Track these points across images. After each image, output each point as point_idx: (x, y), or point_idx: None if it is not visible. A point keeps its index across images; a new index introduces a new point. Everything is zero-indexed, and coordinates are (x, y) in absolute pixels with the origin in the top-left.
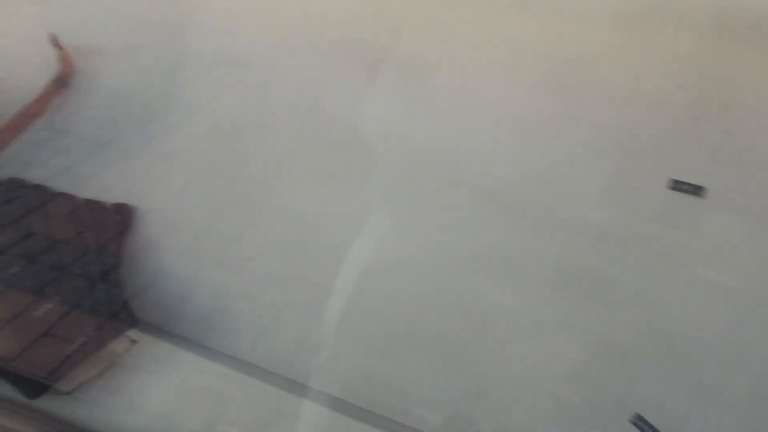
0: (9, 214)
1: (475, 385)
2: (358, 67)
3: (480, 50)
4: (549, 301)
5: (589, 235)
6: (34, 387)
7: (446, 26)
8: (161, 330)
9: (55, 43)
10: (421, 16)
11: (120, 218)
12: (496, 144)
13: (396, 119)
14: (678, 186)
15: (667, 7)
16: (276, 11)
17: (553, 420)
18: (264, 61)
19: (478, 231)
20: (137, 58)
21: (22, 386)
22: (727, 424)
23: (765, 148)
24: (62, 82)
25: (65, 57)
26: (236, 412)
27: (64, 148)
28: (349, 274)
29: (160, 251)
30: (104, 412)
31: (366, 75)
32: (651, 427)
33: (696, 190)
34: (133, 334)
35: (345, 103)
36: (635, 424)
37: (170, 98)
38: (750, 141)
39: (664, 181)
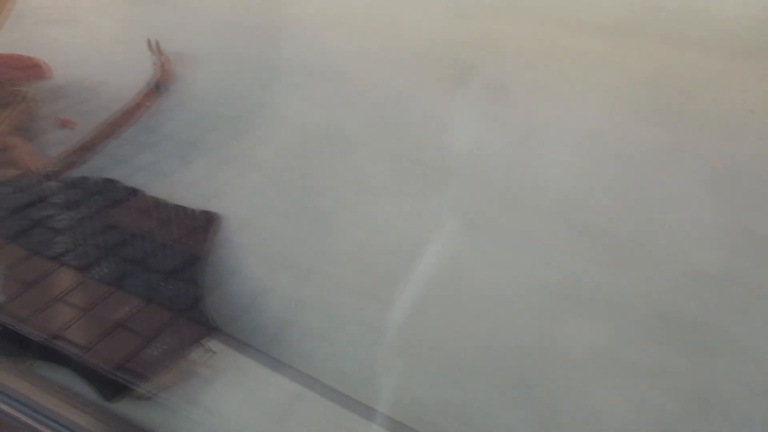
0: (102, 216)
1: (552, 427)
2: (446, 85)
3: (579, 75)
4: (640, 343)
5: (690, 275)
6: (113, 388)
7: (543, 49)
8: (236, 341)
9: (155, 48)
10: (517, 37)
11: (206, 226)
12: (591, 173)
13: (482, 140)
14: None
15: None
16: (368, 26)
17: None
18: (352, 74)
19: (567, 262)
20: (230, 65)
21: (100, 387)
22: None
23: None
24: (159, 87)
25: (163, 62)
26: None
27: (155, 149)
28: (425, 296)
29: (241, 259)
30: (179, 419)
31: (453, 93)
32: None
33: None
34: (211, 343)
35: (430, 119)
36: None
37: (259, 106)
38: None
39: None
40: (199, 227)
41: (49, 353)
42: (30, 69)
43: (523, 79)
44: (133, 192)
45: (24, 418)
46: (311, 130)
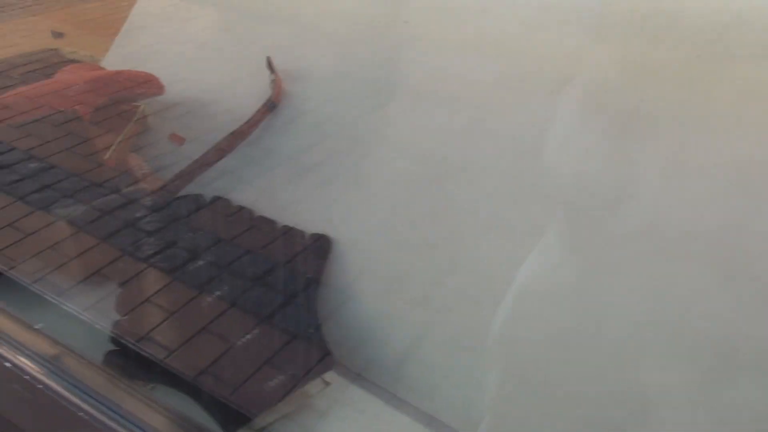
0: (206, 233)
1: None
2: (581, 111)
3: (730, 103)
4: None
5: None
6: (232, 418)
7: (688, 73)
8: (353, 373)
9: (270, 66)
10: (664, 61)
11: (317, 248)
12: (741, 212)
13: (621, 176)
14: None
15: None
16: (490, 48)
17: None
18: (474, 99)
19: (711, 311)
20: (345, 86)
21: (219, 416)
22: None
23: None
24: (271, 105)
25: (277, 80)
26: None
27: (267, 169)
28: (552, 337)
29: (356, 290)
30: None
31: (590, 120)
32: None
33: None
34: (327, 376)
35: (563, 149)
36: None
37: (374, 130)
38: None
39: None
40: (309, 250)
41: (167, 378)
42: (144, 84)
43: (668, 106)
44: (243, 211)
45: None
46: (427, 157)
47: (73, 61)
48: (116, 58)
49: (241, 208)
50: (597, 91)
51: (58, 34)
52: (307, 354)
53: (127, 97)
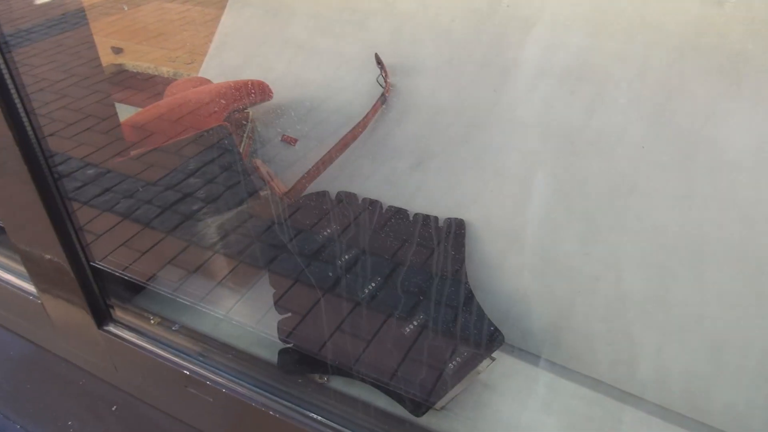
0: (345, 230)
1: None
2: (714, 77)
3: None
4: None
5: None
6: (417, 405)
7: None
8: (512, 347)
9: (379, 61)
10: None
11: (455, 234)
12: None
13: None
14: None
15: None
16: (606, 20)
17: None
18: (596, 72)
19: None
20: (455, 73)
21: (406, 404)
22: None
23: None
24: (382, 99)
25: (385, 74)
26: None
27: (386, 161)
28: (719, 296)
29: (497, 268)
30: (469, 427)
31: (728, 86)
32: None
33: None
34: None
35: (700, 115)
36: None
37: (494, 113)
38: None
39: None
40: (449, 235)
41: (344, 371)
42: (255, 92)
43: None
44: (372, 203)
45: (327, 431)
46: (561, 135)
47: (138, 75)
48: (213, 69)
49: (368, 201)
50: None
51: (117, 50)
52: (477, 335)
53: (243, 106)
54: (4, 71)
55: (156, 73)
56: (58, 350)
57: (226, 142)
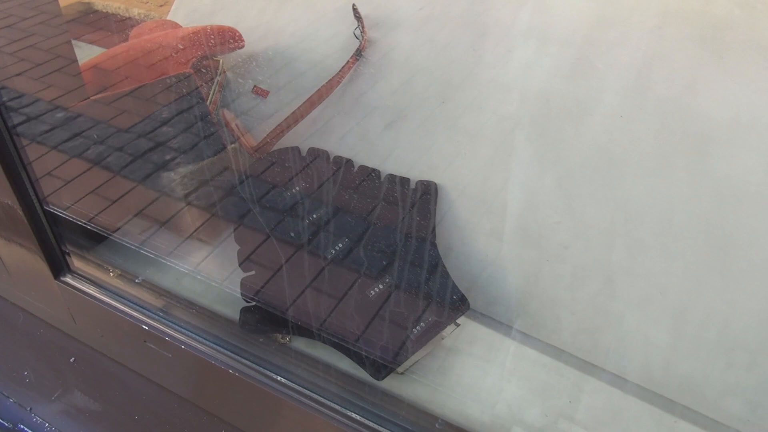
0: (315, 188)
1: None
2: (696, 45)
3: None
4: None
5: None
6: (378, 368)
7: None
8: (477, 313)
9: (356, 14)
10: None
11: (426, 197)
12: None
13: (747, 108)
14: None
15: None
16: None
17: None
18: (578, 36)
19: None
20: (434, 29)
21: (368, 367)
22: None
23: None
24: (358, 53)
25: (363, 28)
26: (554, 402)
27: (360, 118)
28: (685, 269)
29: (467, 232)
30: (431, 391)
31: (710, 56)
32: None
33: None
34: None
35: (679, 85)
36: None
37: (470, 74)
38: None
39: None
40: (419, 198)
41: (305, 330)
42: (224, 39)
43: None
44: (345, 162)
45: (287, 392)
46: (539, 101)
47: (109, 15)
48: (182, 13)
49: (340, 159)
50: (703, 25)
51: None
52: (442, 300)
53: (211, 53)
54: None
55: (127, 15)
56: (14, 299)
57: (190, 90)
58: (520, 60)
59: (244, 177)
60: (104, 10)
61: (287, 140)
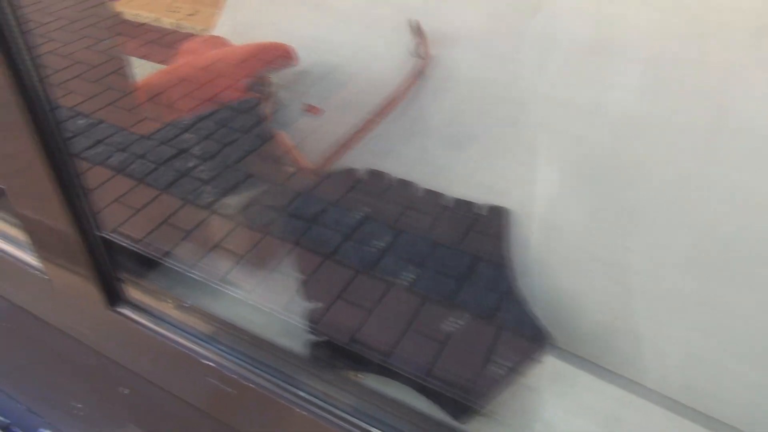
0: (378, 212)
1: None
2: None
3: None
4: None
5: None
6: (459, 408)
7: None
8: (556, 347)
9: (416, 30)
10: None
11: (498, 223)
12: None
13: None
14: None
15: None
16: None
17: None
18: (654, 51)
19: None
20: (498, 45)
21: (447, 407)
22: None
23: None
24: (419, 71)
25: (424, 44)
26: None
27: (421, 139)
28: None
29: (543, 261)
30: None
31: None
32: None
33: None
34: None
35: (762, 108)
36: None
37: (540, 93)
38: None
39: None
40: (488, 224)
41: (379, 368)
42: (277, 56)
43: None
44: (407, 185)
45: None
46: (608, 117)
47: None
48: (228, 27)
49: (402, 182)
50: None
51: None
52: (522, 335)
53: (264, 71)
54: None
55: (158, 24)
56: (64, 327)
57: (255, 114)
58: (590, 77)
59: (304, 200)
60: (135, 20)
61: (343, 160)
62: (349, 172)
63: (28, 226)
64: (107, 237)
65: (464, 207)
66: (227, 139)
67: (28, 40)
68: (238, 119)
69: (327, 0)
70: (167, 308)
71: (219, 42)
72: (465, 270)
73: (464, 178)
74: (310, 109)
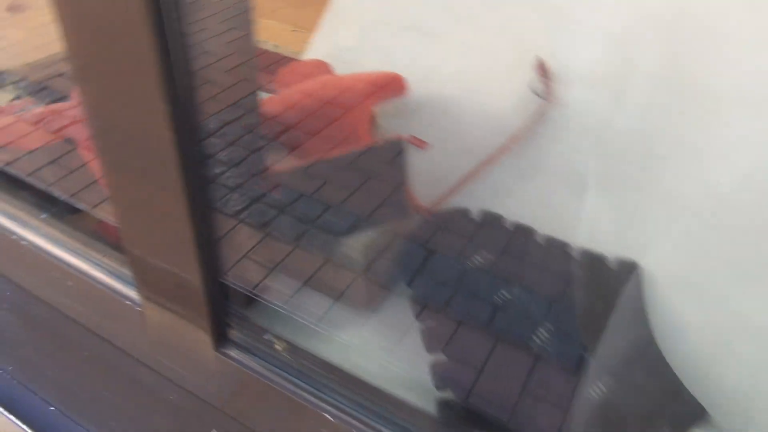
0: (496, 260)
1: None
2: None
3: None
4: None
5: None
6: None
7: None
8: (716, 428)
9: (541, 67)
10: None
11: (632, 281)
12: None
13: None
14: None
15: None
16: None
17: None
18: None
19: None
20: (626, 86)
21: None
22: None
23: None
24: (542, 111)
25: (548, 84)
26: None
27: (542, 181)
28: None
29: (681, 326)
30: None
31: None
32: None
33: None
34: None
35: None
36: None
37: (677, 140)
38: None
39: None
40: (623, 282)
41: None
42: (393, 88)
43: None
44: (526, 231)
45: None
46: (752, 171)
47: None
48: (323, 50)
49: (520, 227)
50: None
51: None
52: (675, 409)
53: (380, 104)
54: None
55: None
56: (157, 364)
57: (398, 157)
58: (734, 129)
59: (416, 243)
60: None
61: (456, 199)
62: (463, 213)
63: (136, 263)
64: (223, 281)
65: (592, 260)
66: (352, 184)
67: (193, 81)
68: (370, 163)
69: (435, 27)
70: (277, 353)
71: (323, 68)
72: (603, 332)
73: (588, 228)
74: (415, 142)
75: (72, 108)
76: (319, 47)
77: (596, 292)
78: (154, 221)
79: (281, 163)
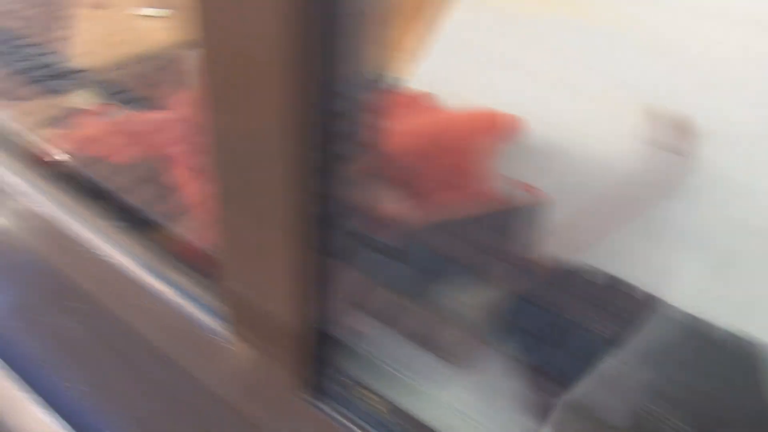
0: (622, 330)
1: None
2: None
3: None
4: None
5: None
6: None
7: None
8: None
9: (677, 123)
10: None
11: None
12: None
13: None
14: None
15: None
16: None
17: None
18: None
19: None
20: None
21: None
22: None
23: None
24: (676, 169)
25: (684, 140)
26: None
27: (672, 251)
28: None
29: None
30: None
31: None
32: None
33: None
34: None
35: None
36: None
37: None
38: None
39: None
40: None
41: None
42: (503, 127)
43: None
44: (652, 300)
45: None
46: None
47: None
48: (425, 81)
49: (650, 297)
50: None
51: None
52: None
53: (487, 144)
54: None
55: None
56: (238, 404)
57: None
58: None
59: (540, 306)
60: None
61: (576, 257)
62: (584, 276)
63: (232, 298)
64: (323, 329)
65: (735, 343)
66: (476, 242)
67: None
68: (498, 222)
69: (548, 70)
70: (372, 409)
71: (429, 100)
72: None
73: (729, 307)
74: (528, 190)
75: (167, 122)
76: (421, 77)
77: (746, 384)
78: (262, 259)
79: (396, 206)
